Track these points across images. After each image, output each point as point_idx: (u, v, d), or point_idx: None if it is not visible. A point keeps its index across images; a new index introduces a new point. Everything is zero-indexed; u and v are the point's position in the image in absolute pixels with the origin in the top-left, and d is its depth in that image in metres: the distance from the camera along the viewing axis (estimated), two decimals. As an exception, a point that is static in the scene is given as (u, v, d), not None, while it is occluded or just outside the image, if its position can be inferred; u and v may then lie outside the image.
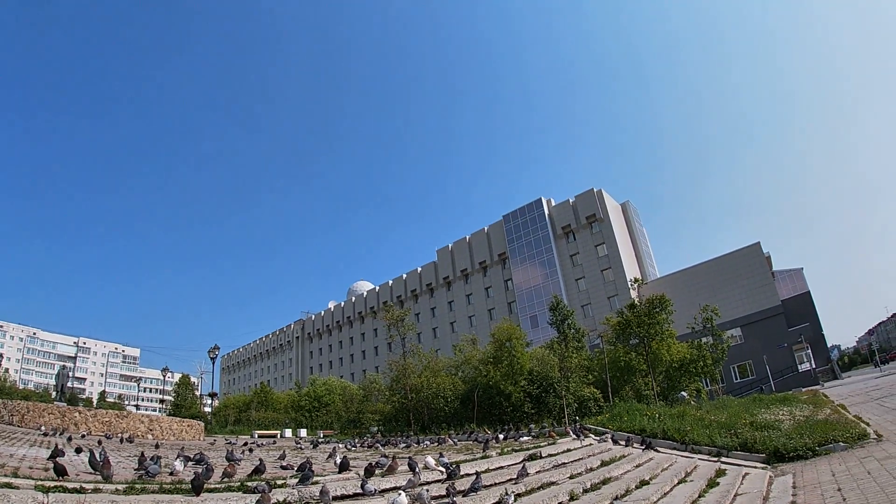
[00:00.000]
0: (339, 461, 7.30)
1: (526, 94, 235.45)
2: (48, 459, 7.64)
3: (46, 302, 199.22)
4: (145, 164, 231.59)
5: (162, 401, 50.65)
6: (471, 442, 13.86)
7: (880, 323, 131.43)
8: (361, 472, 6.76)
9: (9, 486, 4.78)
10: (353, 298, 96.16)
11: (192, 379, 67.22)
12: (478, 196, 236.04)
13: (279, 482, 6.01)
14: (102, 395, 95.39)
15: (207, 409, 59.62)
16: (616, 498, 7.27)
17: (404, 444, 14.76)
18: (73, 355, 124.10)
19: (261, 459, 8.07)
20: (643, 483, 8.98)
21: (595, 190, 65.92)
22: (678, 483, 9.39)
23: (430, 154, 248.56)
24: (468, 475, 7.53)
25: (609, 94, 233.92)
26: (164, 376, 52.47)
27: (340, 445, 15.93)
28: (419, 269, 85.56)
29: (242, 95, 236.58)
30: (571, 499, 7.34)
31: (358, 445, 15.05)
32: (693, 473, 10.39)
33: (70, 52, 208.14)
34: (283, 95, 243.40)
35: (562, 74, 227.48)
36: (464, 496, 6.26)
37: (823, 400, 22.83)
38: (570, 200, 68.40)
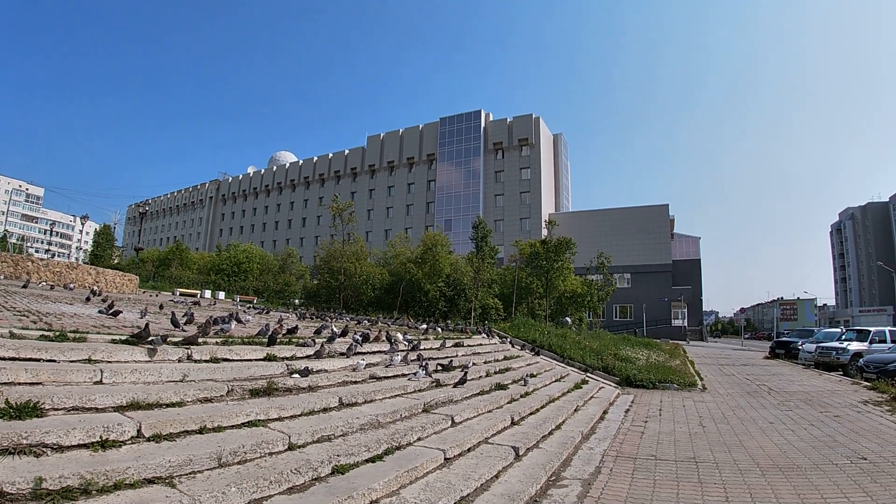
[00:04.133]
0: (336, 330, 10.14)
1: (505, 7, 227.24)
2: (109, 315, 8.74)
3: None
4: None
5: (80, 248, 49.57)
6: (397, 326, 16.68)
7: (758, 304, 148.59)
8: (359, 337, 9.72)
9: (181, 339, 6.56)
10: (275, 168, 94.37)
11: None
12: (419, 96, 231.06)
13: (311, 340, 8.70)
14: (5, 236, 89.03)
15: (115, 261, 59.04)
16: (515, 380, 10.79)
17: (355, 322, 17.41)
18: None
19: (268, 323, 10.19)
20: (532, 375, 12.65)
21: (534, 116, 68.49)
22: (555, 381, 13.19)
23: (388, 43, 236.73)
24: (424, 349, 10.82)
25: (581, 29, 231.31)
26: (83, 224, 51.01)
27: (292, 315, 18.41)
28: (347, 151, 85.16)
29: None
30: (487, 375, 10.82)
31: (309, 316, 17.52)
32: (566, 378, 14.23)
33: None
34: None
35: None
36: (427, 360, 9.47)
37: (680, 354, 26.04)
38: (508, 120, 70.62)
